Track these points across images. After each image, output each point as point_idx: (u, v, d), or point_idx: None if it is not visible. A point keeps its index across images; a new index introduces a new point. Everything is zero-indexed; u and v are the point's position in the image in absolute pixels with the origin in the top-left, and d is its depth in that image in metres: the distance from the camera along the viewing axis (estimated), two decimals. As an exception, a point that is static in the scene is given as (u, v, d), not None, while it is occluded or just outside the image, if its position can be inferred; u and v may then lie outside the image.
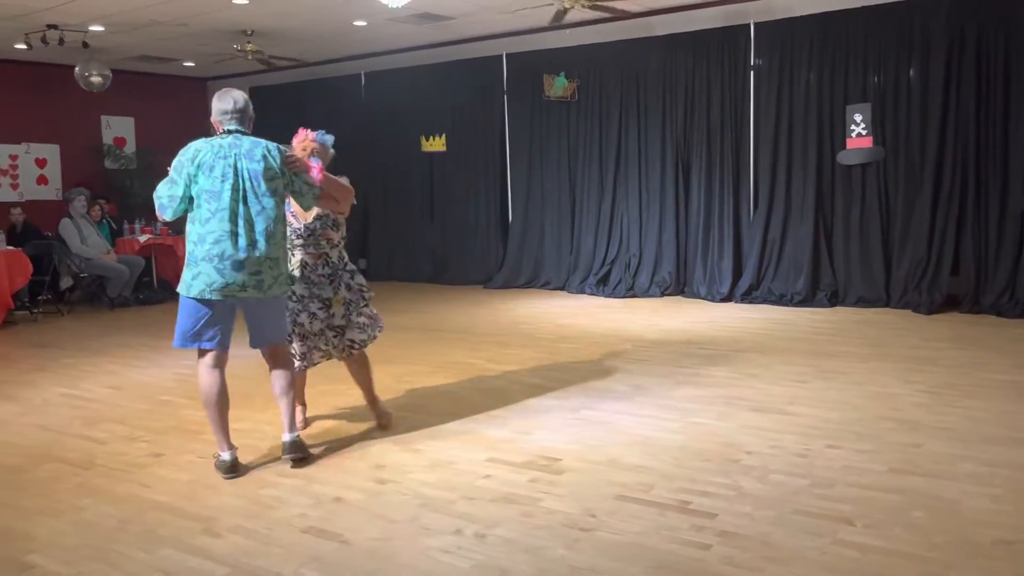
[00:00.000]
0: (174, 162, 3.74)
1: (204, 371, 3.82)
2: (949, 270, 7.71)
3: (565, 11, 7.85)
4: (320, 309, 4.24)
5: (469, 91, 10.65)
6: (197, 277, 3.70)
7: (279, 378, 3.97)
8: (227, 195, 3.68)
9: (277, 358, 4.00)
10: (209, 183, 3.68)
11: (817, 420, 4.37)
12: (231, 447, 3.87)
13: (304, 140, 4.22)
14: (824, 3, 8.20)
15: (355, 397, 5.10)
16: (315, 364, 4.41)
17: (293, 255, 4.24)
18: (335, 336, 4.32)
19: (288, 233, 4.10)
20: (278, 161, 3.82)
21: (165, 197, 3.74)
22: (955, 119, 7.63)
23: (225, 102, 3.82)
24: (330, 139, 4.34)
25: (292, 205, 4.13)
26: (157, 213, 3.80)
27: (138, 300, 9.74)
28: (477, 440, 4.22)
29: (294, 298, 4.21)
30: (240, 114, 3.83)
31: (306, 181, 3.94)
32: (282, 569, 2.86)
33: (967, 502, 3.25)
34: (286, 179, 3.85)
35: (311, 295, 4.23)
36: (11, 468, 4.05)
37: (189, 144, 3.78)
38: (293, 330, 4.23)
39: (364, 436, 4.35)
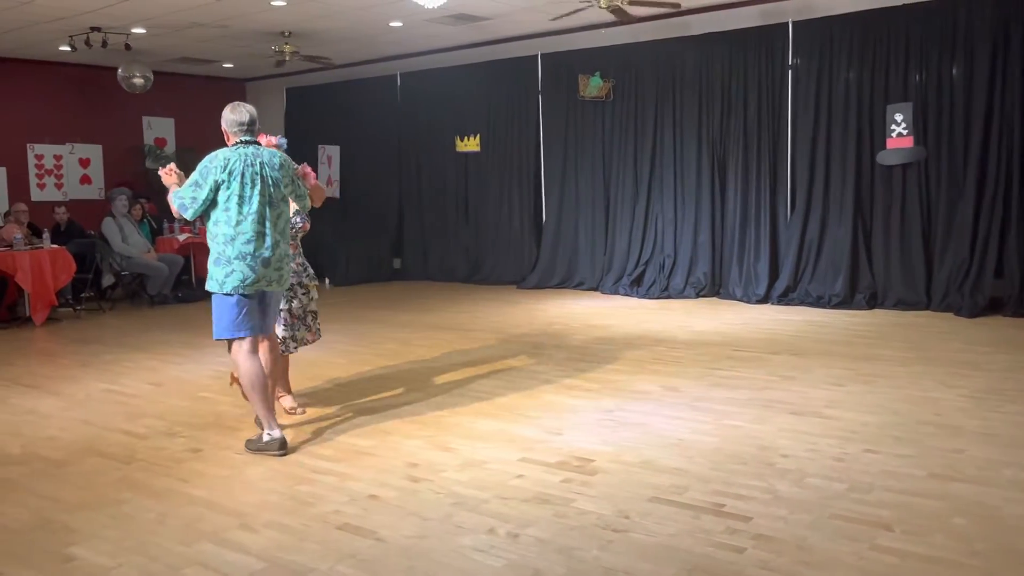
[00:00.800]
0: (200, 167, 4.07)
1: (244, 358, 4.13)
2: (992, 273, 7.55)
3: (618, 7, 7.69)
4: (304, 294, 4.78)
5: (504, 91, 10.66)
6: (231, 275, 4.05)
7: (273, 361, 4.42)
8: (256, 199, 4.07)
9: (271, 343, 4.44)
10: (240, 188, 4.05)
11: (855, 424, 4.31)
12: (279, 425, 4.20)
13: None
14: (865, 1, 8.08)
15: (391, 395, 5.15)
16: (293, 352, 4.83)
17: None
18: (312, 319, 4.83)
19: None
20: (291, 169, 4.29)
21: (188, 199, 4.08)
22: (999, 118, 7.48)
23: (240, 114, 4.18)
24: (285, 142, 4.72)
25: None
26: (176, 211, 4.15)
27: (177, 298, 9.90)
28: (510, 440, 4.23)
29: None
30: (253, 126, 4.21)
31: (305, 185, 4.43)
32: (318, 565, 2.89)
33: (1009, 509, 3.18)
34: (295, 184, 4.31)
35: (296, 283, 4.73)
36: (54, 462, 4.14)
37: (215, 152, 4.12)
38: (283, 317, 4.70)
39: (398, 434, 4.38)
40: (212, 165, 4.05)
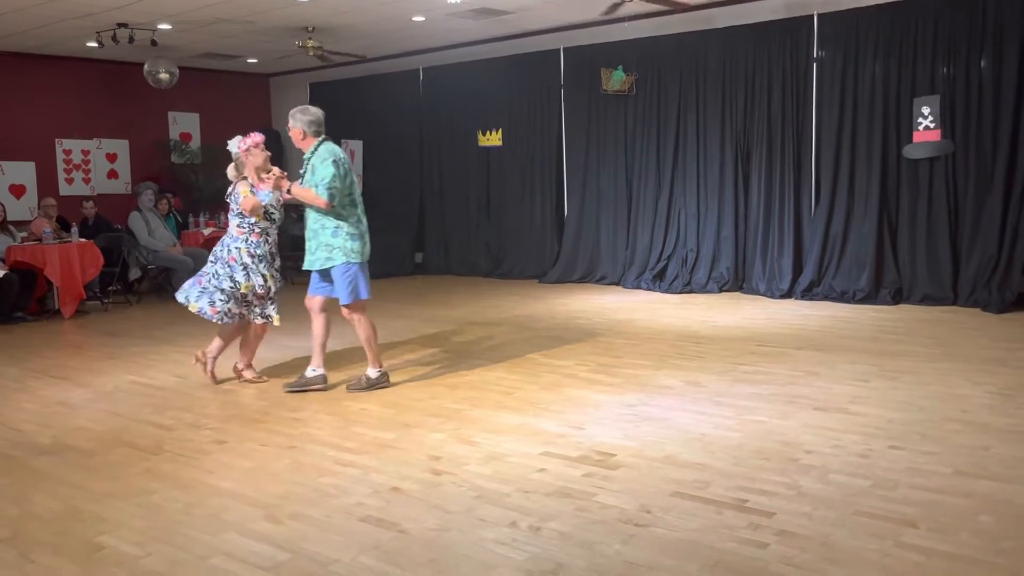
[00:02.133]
0: (330, 160, 4.83)
1: (366, 316, 5.10)
2: (1021, 268, 7.44)
3: (620, 3, 7.73)
4: (272, 277, 5.35)
5: (526, 85, 10.65)
6: (365, 246, 5.04)
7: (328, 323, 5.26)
8: (358, 187, 5.11)
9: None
10: (352, 176, 5.00)
11: (880, 420, 4.27)
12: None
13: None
14: (891, -8, 7.99)
15: (413, 389, 5.18)
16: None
17: (269, 239, 5.28)
18: (269, 301, 5.36)
19: (276, 220, 5.28)
20: None
21: (335, 188, 4.86)
22: (1029, 111, 7.36)
23: (314, 115, 4.98)
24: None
25: (272, 196, 5.17)
26: (325, 200, 4.84)
27: (202, 291, 9.99)
28: (532, 433, 4.24)
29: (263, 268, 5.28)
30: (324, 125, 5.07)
31: None
32: (341, 556, 2.91)
33: (1038, 507, 3.15)
34: None
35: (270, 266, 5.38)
36: (84, 452, 4.21)
37: (329, 146, 4.96)
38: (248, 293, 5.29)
39: (421, 427, 4.40)
40: (340, 158, 4.91)
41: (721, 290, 9.03)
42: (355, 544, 3.01)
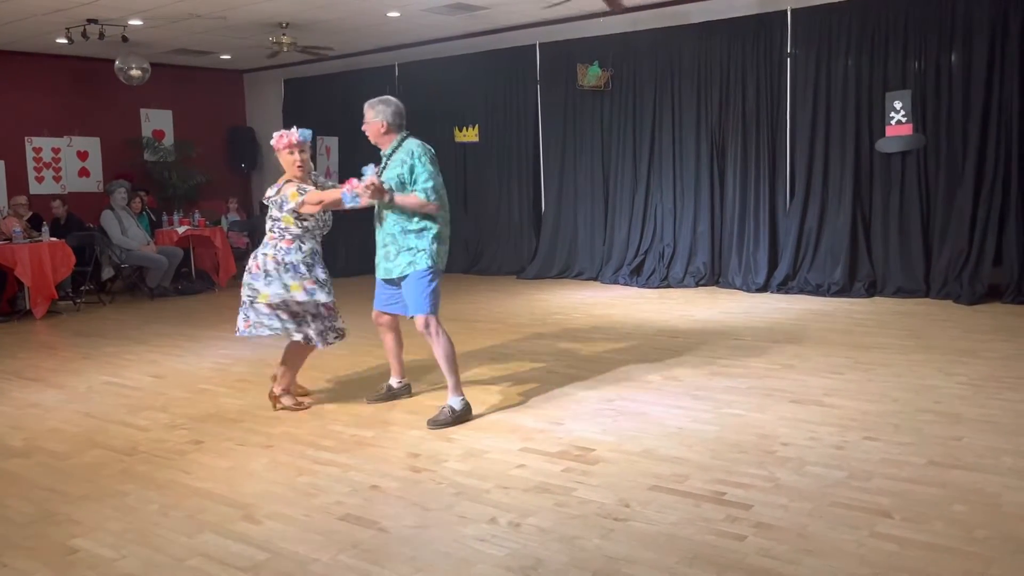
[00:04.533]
0: (424, 159, 4.32)
1: (444, 330, 4.41)
2: (991, 260, 7.55)
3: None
4: (301, 288, 4.65)
5: (502, 81, 10.64)
6: (446, 253, 4.47)
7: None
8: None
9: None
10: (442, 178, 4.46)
11: (855, 412, 4.32)
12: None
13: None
14: (863, -12, 8.06)
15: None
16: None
17: (303, 247, 4.61)
18: (312, 317, 4.73)
19: (311, 227, 4.63)
20: None
21: (433, 189, 4.33)
22: (998, 105, 7.46)
23: (397, 106, 4.46)
24: (309, 134, 4.69)
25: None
26: (436, 204, 4.33)
27: (177, 290, 9.91)
28: (511, 430, 4.24)
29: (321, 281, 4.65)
30: None
31: None
32: (320, 555, 2.90)
33: (1008, 496, 3.19)
34: None
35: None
36: (57, 454, 4.15)
37: (417, 142, 4.42)
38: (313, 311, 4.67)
39: (400, 424, 4.39)
40: (433, 153, 4.42)
41: (698, 284, 9.08)
42: (334, 543, 3.00)
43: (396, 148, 4.44)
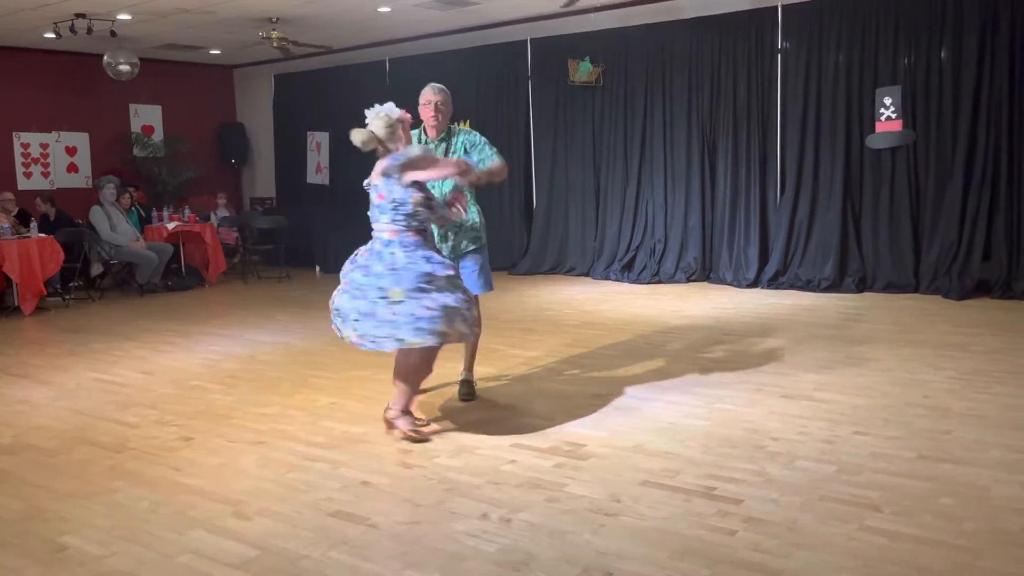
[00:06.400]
0: (484, 139, 4.67)
1: None
2: (981, 255, 7.59)
3: None
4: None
5: (493, 77, 10.61)
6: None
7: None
8: None
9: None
10: None
11: (845, 406, 4.34)
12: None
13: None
14: (853, -16, 8.08)
15: (382, 382, 5.14)
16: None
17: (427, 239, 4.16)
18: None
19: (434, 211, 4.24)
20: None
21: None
22: (988, 102, 7.49)
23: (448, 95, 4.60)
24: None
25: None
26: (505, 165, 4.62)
27: (166, 287, 9.86)
28: (502, 425, 4.24)
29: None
30: None
31: None
32: (311, 552, 2.89)
33: (997, 489, 3.21)
34: None
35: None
36: (46, 451, 4.13)
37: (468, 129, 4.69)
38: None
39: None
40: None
41: (689, 280, 9.10)
42: (325, 539, 2.99)
43: (450, 133, 4.71)
